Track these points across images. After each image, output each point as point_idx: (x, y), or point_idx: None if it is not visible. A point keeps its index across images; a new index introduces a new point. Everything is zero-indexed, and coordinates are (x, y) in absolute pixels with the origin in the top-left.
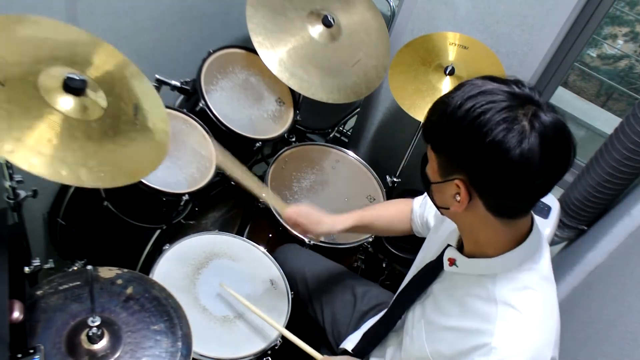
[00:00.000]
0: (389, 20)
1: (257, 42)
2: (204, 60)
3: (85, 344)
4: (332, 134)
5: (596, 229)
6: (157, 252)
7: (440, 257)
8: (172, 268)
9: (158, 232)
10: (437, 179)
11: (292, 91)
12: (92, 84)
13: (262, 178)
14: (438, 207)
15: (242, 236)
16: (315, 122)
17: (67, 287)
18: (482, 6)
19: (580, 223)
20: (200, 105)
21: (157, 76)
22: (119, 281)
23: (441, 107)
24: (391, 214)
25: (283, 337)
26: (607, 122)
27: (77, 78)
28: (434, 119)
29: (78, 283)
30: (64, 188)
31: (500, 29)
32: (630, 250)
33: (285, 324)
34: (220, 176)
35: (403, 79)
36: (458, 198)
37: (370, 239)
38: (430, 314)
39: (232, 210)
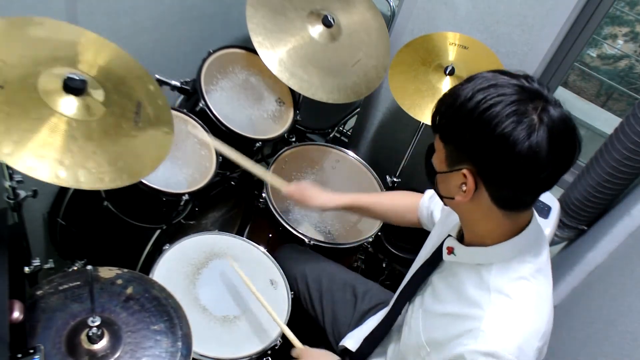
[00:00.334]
0: (389, 20)
1: (257, 42)
2: (204, 60)
3: (85, 344)
4: (332, 134)
5: (596, 229)
6: (157, 252)
7: (440, 247)
8: (172, 268)
9: (158, 232)
10: (444, 169)
11: (292, 91)
12: (93, 83)
13: None
14: (442, 197)
15: (242, 236)
16: (315, 122)
17: (67, 287)
18: (482, 6)
19: (580, 223)
20: (200, 105)
21: (157, 76)
22: (119, 281)
23: (451, 98)
24: (396, 202)
25: (283, 337)
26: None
27: (77, 78)
28: (443, 109)
29: (78, 283)
30: (64, 188)
31: (500, 29)
32: (630, 250)
33: (285, 324)
34: (221, 176)
35: (403, 79)
36: (464, 188)
37: (370, 239)
38: (428, 302)
39: (232, 210)
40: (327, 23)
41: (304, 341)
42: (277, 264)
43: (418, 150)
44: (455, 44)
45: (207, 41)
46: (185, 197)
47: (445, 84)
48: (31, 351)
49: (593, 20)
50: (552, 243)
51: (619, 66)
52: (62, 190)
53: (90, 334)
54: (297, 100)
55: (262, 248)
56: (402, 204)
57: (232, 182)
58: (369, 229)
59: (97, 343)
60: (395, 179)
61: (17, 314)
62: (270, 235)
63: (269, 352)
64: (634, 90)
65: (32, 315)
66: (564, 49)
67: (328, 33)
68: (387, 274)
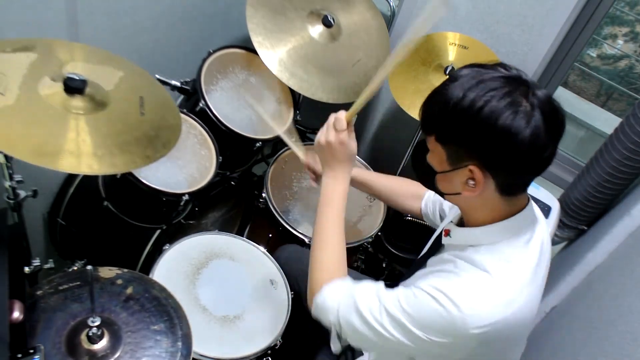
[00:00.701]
0: (389, 20)
1: (257, 42)
2: (204, 60)
3: (85, 344)
4: None
5: (596, 229)
6: (157, 252)
7: (441, 233)
8: (172, 268)
9: (158, 232)
10: (446, 168)
11: (292, 91)
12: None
13: (262, 178)
14: (444, 194)
15: (242, 236)
16: (315, 122)
17: (67, 287)
18: (482, 6)
19: (580, 223)
20: (201, 105)
21: (157, 76)
22: (119, 281)
23: (439, 99)
24: (402, 185)
25: (283, 337)
26: (607, 122)
27: (77, 78)
28: (434, 111)
29: (78, 283)
30: (64, 188)
31: (500, 29)
32: (630, 250)
33: (285, 323)
34: (220, 176)
35: (403, 79)
36: (471, 183)
37: (370, 239)
38: (417, 278)
39: (232, 210)
40: (327, 23)
41: (304, 341)
42: (277, 264)
43: None
44: (455, 44)
45: (207, 41)
46: (185, 197)
47: None
48: (31, 351)
49: (593, 21)
50: (552, 243)
51: (619, 66)
52: (62, 190)
53: (90, 334)
54: (297, 100)
55: (262, 248)
56: (406, 188)
57: (232, 182)
58: (369, 229)
59: (97, 343)
60: None
61: (17, 314)
62: (270, 235)
63: (269, 352)
64: (634, 90)
65: (32, 315)
66: (564, 49)
67: (328, 33)
68: (387, 274)
